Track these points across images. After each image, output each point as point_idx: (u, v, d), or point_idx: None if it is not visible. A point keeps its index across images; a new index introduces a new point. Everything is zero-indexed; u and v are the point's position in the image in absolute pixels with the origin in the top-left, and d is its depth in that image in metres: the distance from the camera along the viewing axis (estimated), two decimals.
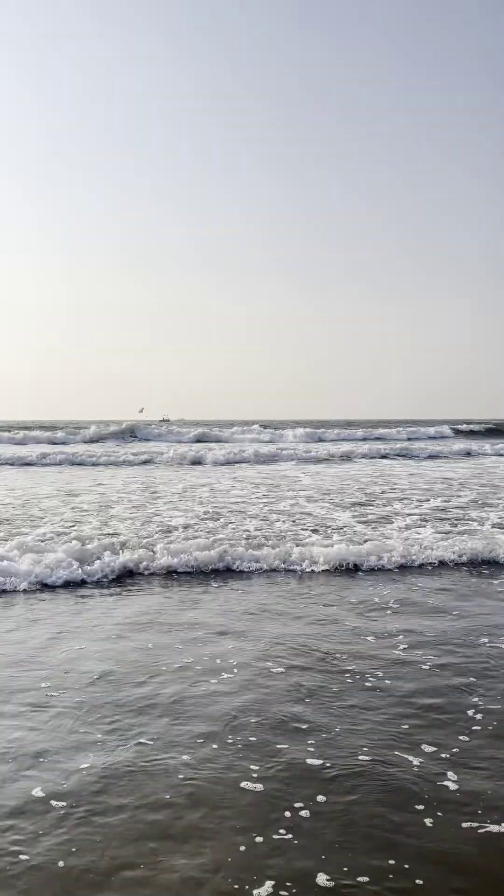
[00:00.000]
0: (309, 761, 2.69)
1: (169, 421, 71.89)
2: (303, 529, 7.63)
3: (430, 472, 16.15)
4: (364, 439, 31.63)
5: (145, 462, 19.19)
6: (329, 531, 7.52)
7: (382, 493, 11.44)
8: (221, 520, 8.29)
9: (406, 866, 2.10)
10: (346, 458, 21.41)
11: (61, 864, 2.10)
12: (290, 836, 2.24)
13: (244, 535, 7.10)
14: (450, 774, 2.58)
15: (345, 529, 7.69)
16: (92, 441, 28.49)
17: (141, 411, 66.84)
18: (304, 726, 2.96)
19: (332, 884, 2.02)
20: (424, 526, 7.96)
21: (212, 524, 7.92)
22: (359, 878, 2.04)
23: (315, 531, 7.55)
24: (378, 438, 32.42)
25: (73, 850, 2.17)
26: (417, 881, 2.04)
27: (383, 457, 22.30)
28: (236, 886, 2.00)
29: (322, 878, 2.04)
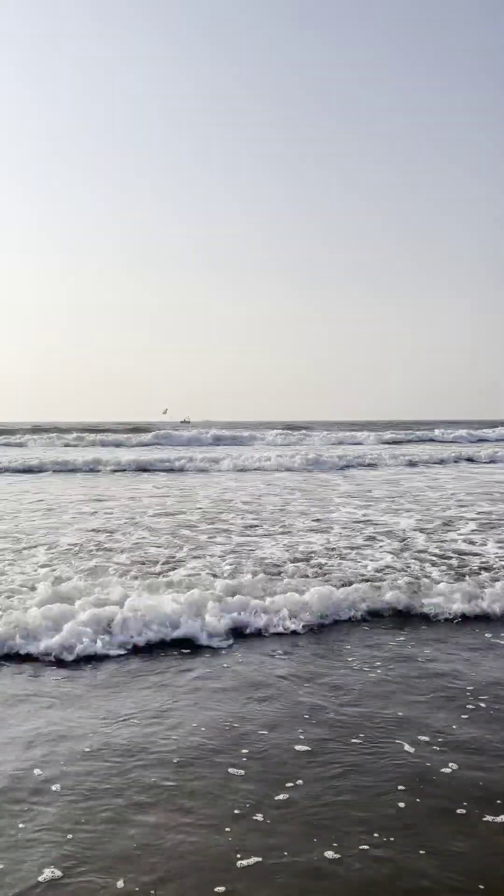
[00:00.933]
0: None
1: (190, 422, 70.14)
2: None
3: None
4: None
5: (242, 469, 18.49)
6: None
7: None
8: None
9: None
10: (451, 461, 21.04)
11: None
12: None
13: None
14: None
15: None
16: (144, 445, 29.51)
17: (165, 412, 66.77)
18: None
19: None
20: None
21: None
22: None
23: None
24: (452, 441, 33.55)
25: None
26: None
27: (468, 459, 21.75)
28: None
29: None
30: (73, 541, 7.95)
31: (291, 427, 46.31)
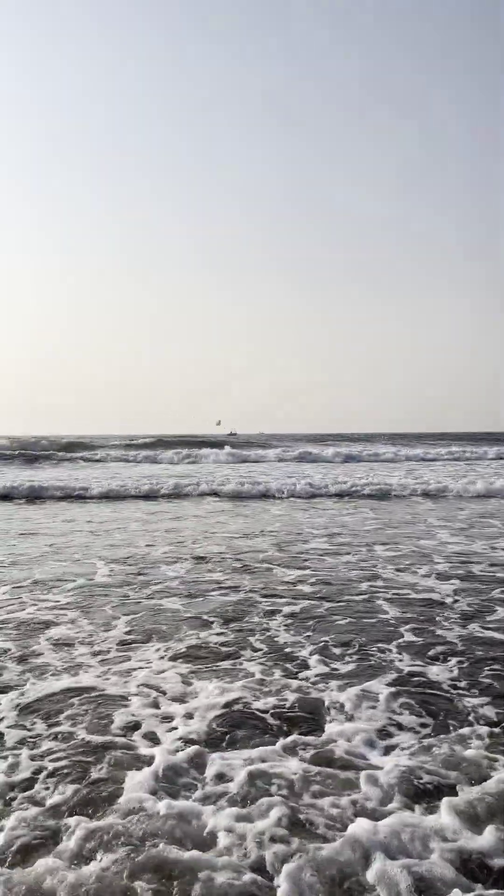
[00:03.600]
0: None
1: (236, 434, 71.33)
2: None
3: None
4: None
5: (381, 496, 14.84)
6: None
7: None
8: None
9: None
10: None
11: None
12: None
13: None
14: None
15: None
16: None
17: (219, 423, 67.34)
18: None
19: None
20: None
21: None
22: None
23: None
24: None
25: None
26: None
27: None
28: None
29: None
30: None
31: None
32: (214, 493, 15.11)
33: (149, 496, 14.72)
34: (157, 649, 4.45)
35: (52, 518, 11.50)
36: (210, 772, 2.88)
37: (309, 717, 3.39)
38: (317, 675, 3.95)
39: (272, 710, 3.46)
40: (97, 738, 3.18)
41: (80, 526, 10.37)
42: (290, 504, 13.39)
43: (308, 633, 4.75)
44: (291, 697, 3.62)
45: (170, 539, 8.92)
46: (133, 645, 4.55)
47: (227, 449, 30.82)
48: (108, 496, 14.68)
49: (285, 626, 4.93)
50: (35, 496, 14.55)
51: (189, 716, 3.40)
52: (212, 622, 5.03)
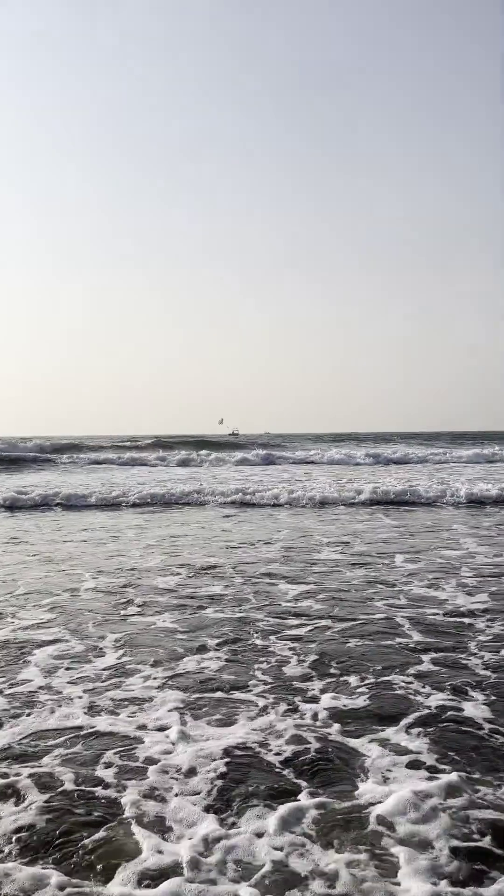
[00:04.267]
0: None
1: (238, 434, 69.34)
2: None
3: None
4: None
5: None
6: None
7: None
8: None
9: None
10: None
11: None
12: None
13: None
14: None
15: None
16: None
17: (221, 422, 65.44)
18: None
19: None
20: None
21: None
22: None
23: None
24: None
25: None
26: None
27: None
28: None
29: None
30: None
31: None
32: (218, 498, 14.43)
33: (138, 504, 14.00)
34: (146, 677, 3.88)
35: (38, 527, 10.94)
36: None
37: (328, 771, 2.81)
38: (330, 714, 3.36)
39: (282, 763, 2.88)
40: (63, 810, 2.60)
41: (69, 535, 9.81)
42: (298, 510, 12.77)
43: (318, 659, 4.16)
44: (302, 746, 3.03)
45: (165, 548, 8.34)
46: (120, 670, 3.98)
47: (240, 455, 29.95)
48: (100, 505, 14.04)
49: (291, 649, 4.34)
50: (18, 505, 13.77)
51: (190, 772, 2.81)
52: (208, 646, 4.45)
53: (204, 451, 30.39)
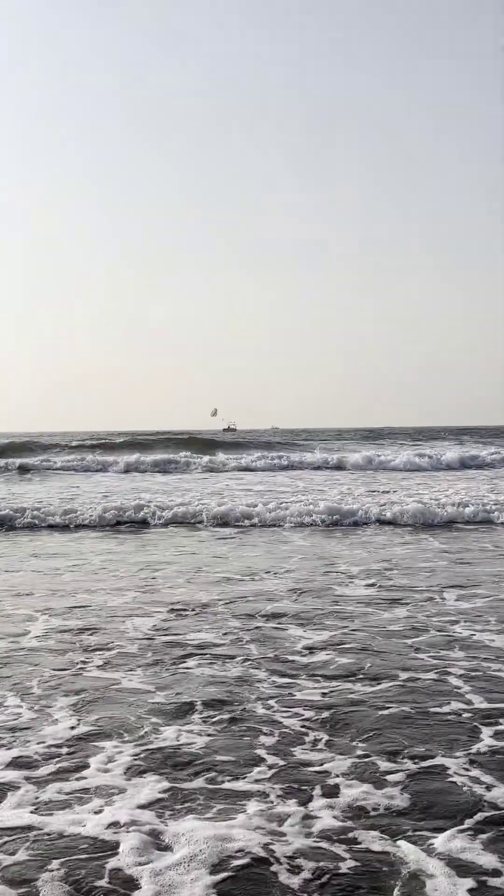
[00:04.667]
0: None
1: (234, 430, 73.51)
2: None
3: None
4: None
5: None
6: None
7: None
8: None
9: None
10: None
11: None
12: None
13: None
14: None
15: None
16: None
17: (214, 414, 71.37)
18: None
19: None
20: None
21: None
22: None
23: None
24: None
25: None
26: None
27: None
28: None
29: None
30: None
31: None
32: (210, 515, 14.34)
33: (104, 523, 13.84)
34: (110, 756, 3.73)
35: None
36: None
37: (360, 891, 2.63)
38: (357, 811, 3.19)
39: (300, 886, 2.71)
40: None
41: (14, 564, 9.70)
42: (314, 530, 12.65)
43: (338, 733, 4.01)
44: (320, 859, 2.87)
45: (139, 581, 8.22)
46: (75, 747, 3.84)
47: (240, 455, 29.83)
48: (57, 525, 13.91)
49: (304, 721, 4.20)
50: None
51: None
52: (192, 711, 4.32)
53: (188, 452, 30.43)
